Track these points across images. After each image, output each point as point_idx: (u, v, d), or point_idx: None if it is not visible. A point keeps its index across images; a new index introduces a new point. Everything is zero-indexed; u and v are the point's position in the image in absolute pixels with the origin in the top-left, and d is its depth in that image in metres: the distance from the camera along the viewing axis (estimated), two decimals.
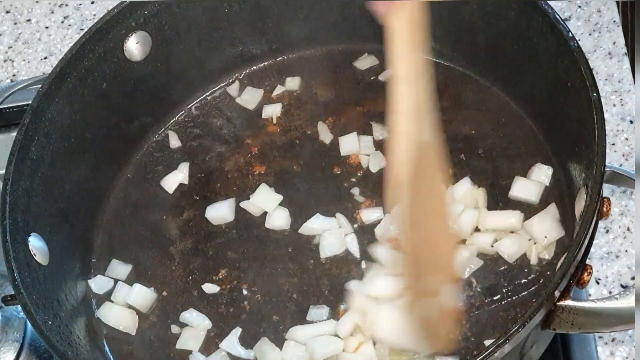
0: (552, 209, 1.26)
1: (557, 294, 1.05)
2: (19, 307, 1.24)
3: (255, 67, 1.52)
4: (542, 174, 1.30)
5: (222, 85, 1.51)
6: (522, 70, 1.33)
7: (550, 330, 1.09)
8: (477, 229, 1.27)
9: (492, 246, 1.25)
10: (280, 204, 1.35)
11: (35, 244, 1.23)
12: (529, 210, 1.27)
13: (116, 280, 1.33)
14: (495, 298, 1.22)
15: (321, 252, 1.30)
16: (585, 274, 1.09)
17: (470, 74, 1.42)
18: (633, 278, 1.30)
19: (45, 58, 1.74)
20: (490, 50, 1.37)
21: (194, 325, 1.27)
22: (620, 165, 1.40)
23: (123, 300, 1.31)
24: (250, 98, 1.49)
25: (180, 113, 1.49)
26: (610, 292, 1.30)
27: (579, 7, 1.59)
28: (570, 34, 1.19)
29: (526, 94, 1.35)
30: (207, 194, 1.40)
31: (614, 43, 1.54)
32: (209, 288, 1.30)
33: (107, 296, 1.32)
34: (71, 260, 1.32)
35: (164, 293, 1.32)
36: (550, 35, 1.23)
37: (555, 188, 1.28)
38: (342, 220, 1.31)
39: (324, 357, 1.19)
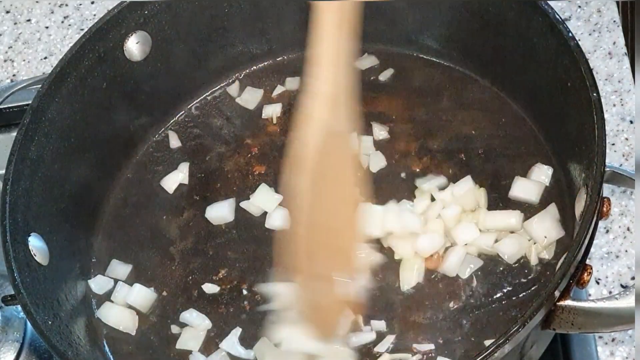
0: (552, 209, 1.26)
1: (557, 294, 1.05)
2: (19, 307, 1.24)
3: (255, 67, 1.52)
4: (542, 174, 1.30)
5: (222, 85, 1.51)
6: (522, 70, 1.33)
7: (550, 330, 1.09)
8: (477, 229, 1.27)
9: (492, 246, 1.25)
10: (280, 204, 1.35)
11: (35, 244, 1.23)
12: (529, 210, 1.27)
13: (116, 280, 1.33)
14: (495, 298, 1.22)
15: None
16: (585, 274, 1.09)
17: (470, 74, 1.42)
18: (633, 278, 1.30)
19: (45, 58, 1.74)
20: (490, 50, 1.37)
21: (194, 325, 1.27)
22: (620, 165, 1.41)
23: (123, 300, 1.31)
24: (250, 98, 1.49)
25: (180, 113, 1.49)
26: (610, 292, 1.30)
27: (579, 7, 1.59)
28: (570, 34, 1.19)
29: (526, 94, 1.35)
30: (207, 194, 1.40)
31: (614, 43, 1.54)
32: (209, 288, 1.30)
33: (107, 296, 1.32)
34: (71, 260, 1.32)
35: (164, 293, 1.32)
36: (550, 35, 1.23)
37: (555, 188, 1.28)
38: None
39: None
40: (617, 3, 1.60)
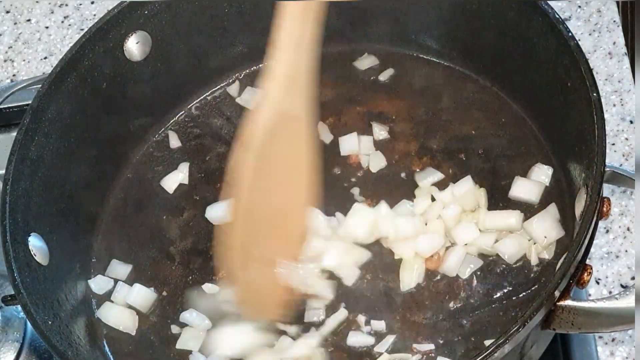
0: (552, 209, 1.26)
1: (557, 294, 1.05)
2: (19, 307, 1.24)
3: (255, 67, 1.52)
4: (542, 174, 1.30)
5: (222, 85, 1.51)
6: (522, 70, 1.33)
7: (550, 330, 1.09)
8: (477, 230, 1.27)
9: (492, 246, 1.25)
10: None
11: (35, 244, 1.23)
12: (529, 210, 1.27)
13: (116, 280, 1.33)
14: (495, 298, 1.22)
15: None
16: (585, 274, 1.09)
17: (470, 74, 1.42)
18: (633, 278, 1.30)
19: (45, 58, 1.74)
20: (490, 50, 1.37)
21: (194, 325, 1.27)
22: (620, 165, 1.41)
23: (123, 300, 1.31)
24: (250, 98, 1.49)
25: (180, 113, 1.49)
26: (610, 292, 1.30)
27: (579, 7, 1.59)
28: (570, 34, 1.19)
29: (526, 94, 1.35)
30: (207, 194, 1.40)
31: (614, 43, 1.54)
32: (209, 288, 1.30)
33: (107, 296, 1.32)
34: (71, 260, 1.32)
35: (164, 293, 1.32)
36: (550, 35, 1.23)
37: (555, 188, 1.28)
38: (342, 221, 1.31)
39: None
40: (617, 3, 1.60)
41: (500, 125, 1.37)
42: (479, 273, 1.24)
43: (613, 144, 1.43)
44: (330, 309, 1.25)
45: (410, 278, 1.25)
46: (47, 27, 1.78)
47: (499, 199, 1.30)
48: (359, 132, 1.40)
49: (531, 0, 1.24)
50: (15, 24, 1.80)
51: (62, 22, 1.78)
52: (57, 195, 1.31)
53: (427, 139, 1.38)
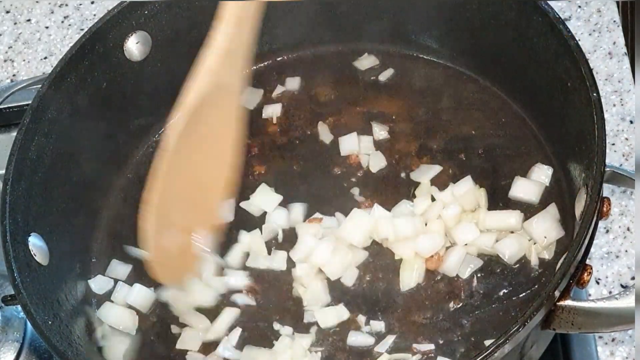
0: (552, 209, 1.26)
1: (557, 294, 1.05)
2: (19, 307, 1.24)
3: (255, 67, 1.52)
4: (542, 174, 1.30)
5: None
6: (522, 70, 1.33)
7: (550, 330, 1.09)
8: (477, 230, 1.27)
9: (492, 246, 1.25)
10: (280, 204, 1.35)
11: (35, 244, 1.23)
12: (529, 210, 1.27)
13: (116, 280, 1.33)
14: (495, 298, 1.22)
15: None
16: (585, 274, 1.09)
17: (470, 74, 1.42)
18: (633, 278, 1.30)
19: (45, 58, 1.74)
20: (490, 50, 1.37)
21: (194, 325, 1.27)
22: (620, 165, 1.41)
23: (123, 300, 1.31)
24: (250, 98, 1.49)
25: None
26: (610, 292, 1.30)
27: (579, 7, 1.59)
28: (570, 34, 1.19)
29: (526, 94, 1.35)
30: None
31: (614, 43, 1.54)
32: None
33: (107, 296, 1.32)
34: (71, 260, 1.32)
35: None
36: (550, 35, 1.23)
37: (555, 188, 1.28)
38: (342, 220, 1.31)
39: None
40: (617, 3, 1.60)
41: (500, 125, 1.37)
42: (479, 273, 1.24)
43: (613, 144, 1.43)
44: (330, 309, 1.25)
45: (410, 278, 1.25)
46: (47, 27, 1.78)
47: (499, 199, 1.30)
48: (359, 132, 1.40)
49: (531, 0, 1.24)
50: (15, 24, 1.80)
51: (62, 22, 1.78)
52: (57, 195, 1.31)
53: (427, 139, 1.38)
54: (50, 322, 1.16)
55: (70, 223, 1.33)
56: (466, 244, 1.26)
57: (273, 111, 1.47)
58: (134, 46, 1.39)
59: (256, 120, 1.47)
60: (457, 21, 1.38)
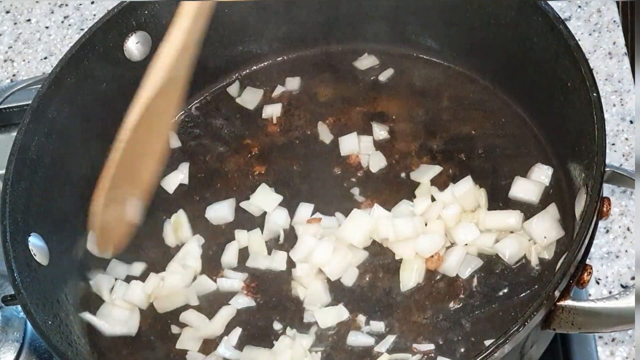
0: (552, 209, 1.26)
1: (557, 294, 1.05)
2: (19, 307, 1.24)
3: (255, 67, 1.52)
4: (542, 174, 1.30)
5: (222, 85, 1.51)
6: (522, 70, 1.33)
7: (550, 330, 1.09)
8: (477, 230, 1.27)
9: (492, 246, 1.25)
10: (280, 204, 1.35)
11: (35, 244, 1.23)
12: (529, 210, 1.27)
13: (116, 280, 1.33)
14: (495, 298, 1.22)
15: None
16: (585, 274, 1.09)
17: (470, 74, 1.42)
18: (633, 278, 1.30)
19: (45, 58, 1.74)
20: (490, 50, 1.37)
21: (194, 326, 1.27)
22: (620, 165, 1.41)
23: (123, 300, 1.30)
24: (250, 98, 1.49)
25: (180, 113, 1.49)
26: (610, 292, 1.30)
27: (579, 7, 1.59)
28: (570, 34, 1.19)
29: (526, 94, 1.35)
30: (207, 194, 1.40)
31: (614, 43, 1.54)
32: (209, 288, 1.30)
33: (107, 295, 1.32)
34: (71, 260, 1.32)
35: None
36: (550, 35, 1.23)
37: (555, 188, 1.28)
38: (342, 220, 1.31)
39: None
40: (617, 3, 1.60)
41: (500, 125, 1.37)
42: (479, 273, 1.24)
43: (613, 144, 1.43)
44: (330, 309, 1.25)
45: (410, 278, 1.25)
46: (47, 27, 1.78)
47: (499, 199, 1.30)
48: (359, 132, 1.40)
49: (531, 0, 1.24)
50: (15, 24, 1.80)
51: (62, 22, 1.78)
52: (57, 195, 1.31)
53: (427, 139, 1.38)
54: (50, 322, 1.16)
55: (70, 223, 1.33)
56: (466, 244, 1.26)
57: (273, 111, 1.47)
58: (134, 46, 1.39)
59: (256, 120, 1.47)
60: (457, 21, 1.38)
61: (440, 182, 1.33)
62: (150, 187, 1.17)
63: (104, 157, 1.38)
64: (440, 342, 1.20)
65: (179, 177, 1.42)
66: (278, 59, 1.52)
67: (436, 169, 1.34)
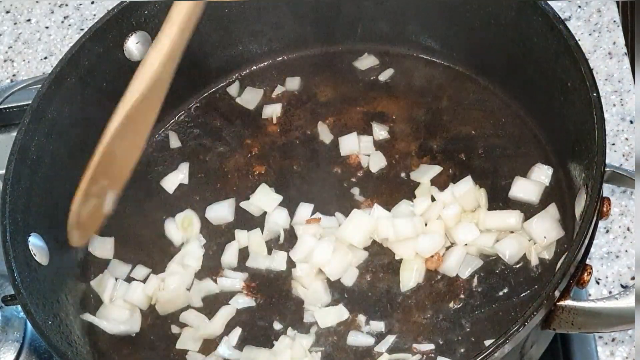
0: (552, 209, 1.26)
1: (557, 294, 1.05)
2: (19, 307, 1.24)
3: (255, 67, 1.52)
4: (542, 174, 1.30)
5: (222, 85, 1.51)
6: (522, 70, 1.33)
7: (550, 330, 1.09)
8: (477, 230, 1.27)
9: (492, 246, 1.25)
10: (280, 204, 1.35)
11: (35, 244, 1.23)
12: (529, 210, 1.27)
13: (116, 280, 1.33)
14: (495, 298, 1.22)
15: None
16: (585, 274, 1.09)
17: (470, 74, 1.42)
18: (633, 278, 1.30)
19: (45, 58, 1.74)
20: (490, 50, 1.37)
21: (194, 325, 1.27)
22: (620, 165, 1.41)
23: (123, 300, 1.30)
24: (250, 98, 1.49)
25: (180, 113, 1.49)
26: (610, 292, 1.30)
27: (579, 7, 1.59)
28: (570, 34, 1.19)
29: (526, 94, 1.35)
30: (207, 194, 1.40)
31: (614, 43, 1.54)
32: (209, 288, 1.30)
33: (108, 296, 1.32)
34: (71, 260, 1.32)
35: None
36: (550, 35, 1.23)
37: (555, 188, 1.28)
38: (342, 220, 1.31)
39: None
40: (617, 3, 1.60)
41: (500, 125, 1.37)
42: (479, 273, 1.24)
43: (613, 144, 1.43)
44: (330, 309, 1.25)
45: (410, 278, 1.25)
46: (47, 27, 1.78)
47: (499, 199, 1.30)
48: (359, 132, 1.40)
49: (531, 0, 1.24)
50: (15, 24, 1.80)
51: (62, 22, 1.78)
52: (57, 195, 1.30)
53: (427, 139, 1.38)
54: (50, 322, 1.16)
55: None
56: (466, 244, 1.26)
57: (273, 111, 1.47)
58: (134, 46, 1.39)
59: (256, 120, 1.47)
60: (457, 21, 1.38)
61: (440, 182, 1.33)
62: (126, 180, 1.18)
63: None
64: (440, 342, 1.20)
65: (179, 177, 1.42)
66: (278, 59, 1.52)
67: (436, 169, 1.34)
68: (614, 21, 1.56)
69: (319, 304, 1.26)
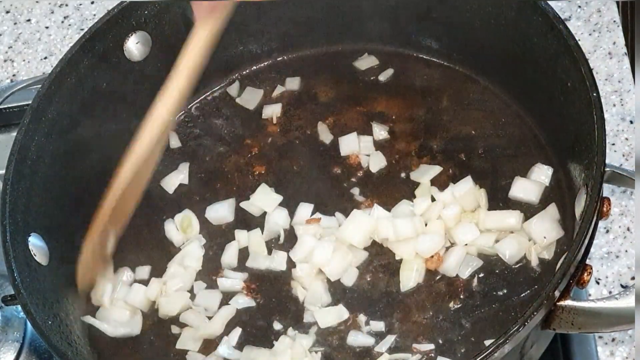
0: (552, 209, 1.26)
1: (557, 294, 1.05)
2: (19, 307, 1.24)
3: (255, 67, 1.52)
4: (542, 174, 1.30)
5: (222, 85, 1.51)
6: (522, 70, 1.33)
7: (550, 330, 1.09)
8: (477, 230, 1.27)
9: (492, 246, 1.25)
10: (280, 204, 1.35)
11: (35, 244, 1.23)
12: (529, 210, 1.27)
13: (116, 280, 1.33)
14: (495, 298, 1.22)
15: None
16: (585, 274, 1.09)
17: (470, 74, 1.42)
18: (633, 278, 1.30)
19: (45, 58, 1.74)
20: (490, 50, 1.37)
21: (194, 326, 1.27)
22: (620, 165, 1.41)
23: (124, 302, 1.30)
24: (250, 98, 1.49)
25: (180, 113, 1.49)
26: (610, 292, 1.30)
27: (579, 7, 1.59)
28: (570, 34, 1.19)
29: (526, 94, 1.35)
30: (207, 194, 1.40)
31: (614, 43, 1.54)
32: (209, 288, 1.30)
33: (108, 297, 1.32)
34: (71, 261, 1.32)
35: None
36: (550, 35, 1.23)
37: (555, 188, 1.28)
38: (342, 220, 1.31)
39: None
40: (617, 3, 1.60)
41: (500, 125, 1.37)
42: (479, 273, 1.24)
43: (613, 144, 1.43)
44: (330, 309, 1.25)
45: (410, 278, 1.25)
46: (47, 27, 1.78)
47: (499, 199, 1.30)
48: (359, 132, 1.40)
49: (531, 0, 1.24)
50: (15, 24, 1.80)
51: (62, 22, 1.78)
52: (57, 195, 1.31)
53: (427, 139, 1.38)
54: (50, 322, 1.16)
55: (70, 223, 1.33)
56: (466, 244, 1.26)
57: (273, 111, 1.47)
58: (134, 46, 1.39)
59: (256, 120, 1.47)
60: (457, 21, 1.38)
61: (440, 182, 1.33)
62: (126, 222, 1.22)
63: (103, 157, 1.40)
64: (440, 342, 1.20)
65: (179, 177, 1.42)
66: (278, 59, 1.52)
67: (436, 169, 1.34)
68: (614, 21, 1.56)
69: (319, 304, 1.26)
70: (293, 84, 1.49)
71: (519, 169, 1.31)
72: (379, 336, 1.22)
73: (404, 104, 1.43)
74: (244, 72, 1.51)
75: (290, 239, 1.32)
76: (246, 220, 1.36)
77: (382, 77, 1.46)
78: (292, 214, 1.34)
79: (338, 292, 1.27)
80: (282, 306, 1.27)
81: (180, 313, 1.28)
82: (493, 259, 1.25)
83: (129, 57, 1.39)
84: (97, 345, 1.27)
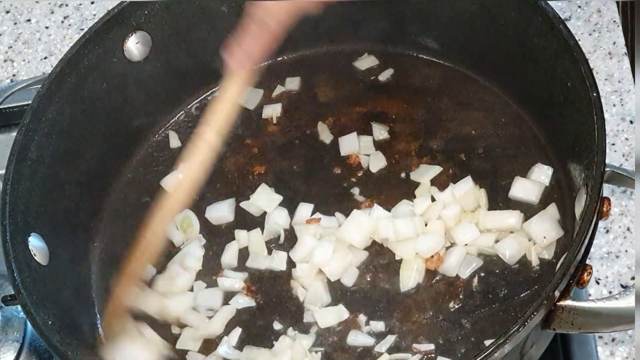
0: (552, 209, 1.26)
1: (557, 294, 1.05)
2: (19, 307, 1.24)
3: (255, 67, 1.51)
4: (542, 174, 1.30)
5: (222, 85, 1.51)
6: (522, 70, 1.33)
7: (550, 330, 1.09)
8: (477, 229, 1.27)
9: (492, 246, 1.25)
10: (280, 204, 1.35)
11: (35, 244, 1.23)
12: (529, 210, 1.27)
13: None
14: (495, 298, 1.22)
15: None
16: (585, 274, 1.09)
17: (470, 74, 1.42)
18: (633, 278, 1.30)
19: (45, 58, 1.74)
20: (490, 50, 1.37)
21: (194, 325, 1.27)
22: (620, 165, 1.40)
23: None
24: (250, 98, 1.49)
25: (180, 113, 1.49)
26: (610, 292, 1.30)
27: (579, 7, 1.59)
28: (570, 34, 1.19)
29: (526, 94, 1.35)
30: (207, 194, 1.40)
31: (614, 43, 1.54)
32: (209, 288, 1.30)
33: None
34: (71, 260, 1.32)
35: None
36: (550, 35, 1.23)
37: (555, 188, 1.28)
38: (342, 220, 1.31)
39: None
40: (617, 3, 1.60)
41: (500, 125, 1.37)
42: (479, 273, 1.24)
43: (613, 144, 1.43)
44: (330, 309, 1.25)
45: (410, 278, 1.25)
46: (47, 27, 1.78)
47: (499, 199, 1.30)
48: (359, 132, 1.40)
49: (531, 0, 1.24)
50: (15, 24, 1.80)
51: (62, 22, 1.78)
52: (57, 195, 1.31)
53: (427, 139, 1.38)
54: (50, 322, 1.16)
55: (70, 223, 1.33)
56: (466, 244, 1.26)
57: (273, 111, 1.47)
58: (134, 46, 1.39)
59: (256, 120, 1.47)
60: (457, 21, 1.38)
61: (440, 182, 1.33)
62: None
63: (103, 157, 1.40)
64: (440, 342, 1.20)
65: (179, 177, 1.42)
66: (278, 59, 1.52)
67: (436, 169, 1.34)
68: (614, 21, 1.56)
69: (319, 304, 1.26)
70: (293, 84, 1.49)
71: (519, 169, 1.31)
72: (379, 336, 1.22)
73: (404, 104, 1.43)
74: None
75: (290, 239, 1.32)
76: (246, 220, 1.36)
77: (382, 77, 1.46)
78: (292, 214, 1.34)
79: (338, 292, 1.27)
80: (282, 306, 1.27)
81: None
82: (493, 259, 1.25)
83: (129, 57, 1.39)
84: (97, 345, 1.27)
